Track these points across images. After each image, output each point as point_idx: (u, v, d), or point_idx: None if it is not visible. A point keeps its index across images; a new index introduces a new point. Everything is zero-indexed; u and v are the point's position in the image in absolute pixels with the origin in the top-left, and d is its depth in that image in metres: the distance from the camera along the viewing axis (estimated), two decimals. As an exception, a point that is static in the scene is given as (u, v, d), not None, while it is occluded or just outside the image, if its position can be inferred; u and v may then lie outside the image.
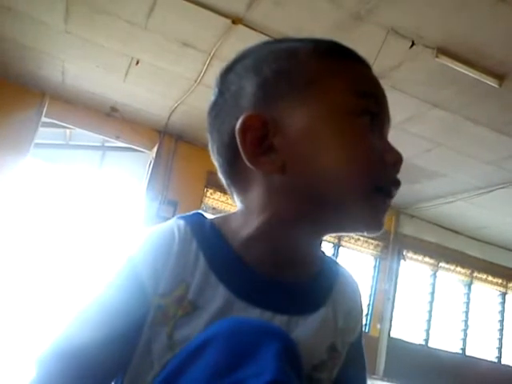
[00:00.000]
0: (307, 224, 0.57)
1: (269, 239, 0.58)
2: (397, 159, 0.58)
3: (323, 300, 0.61)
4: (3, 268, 6.02)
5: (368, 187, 0.55)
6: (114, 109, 5.67)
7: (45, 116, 5.64)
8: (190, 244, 0.57)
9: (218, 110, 0.61)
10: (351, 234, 6.91)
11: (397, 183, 0.58)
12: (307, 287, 0.61)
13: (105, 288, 0.57)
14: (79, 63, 4.83)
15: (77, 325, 0.55)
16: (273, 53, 0.60)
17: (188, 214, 0.62)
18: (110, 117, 5.82)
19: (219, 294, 0.56)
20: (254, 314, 0.56)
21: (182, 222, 0.59)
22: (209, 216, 0.63)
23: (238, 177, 0.60)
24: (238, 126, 0.56)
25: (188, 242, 0.57)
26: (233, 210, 0.64)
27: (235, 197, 0.63)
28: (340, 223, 0.58)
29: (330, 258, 0.68)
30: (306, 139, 0.55)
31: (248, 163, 0.56)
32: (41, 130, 5.70)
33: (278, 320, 0.57)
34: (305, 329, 0.58)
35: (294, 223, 0.57)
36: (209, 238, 0.59)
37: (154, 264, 0.55)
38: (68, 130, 7.04)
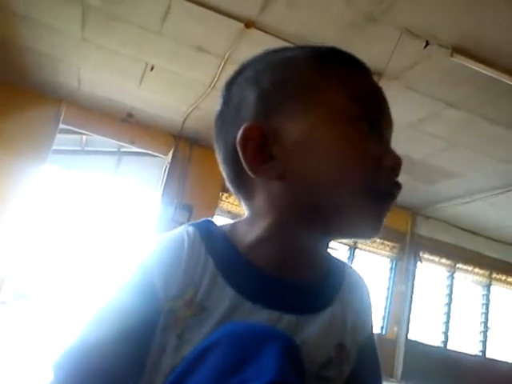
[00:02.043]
0: (308, 228, 0.58)
1: (273, 243, 0.59)
2: (395, 163, 0.58)
3: (331, 299, 0.62)
4: (22, 273, 6.10)
5: (363, 192, 0.55)
6: (129, 114, 5.73)
7: (62, 123, 5.72)
8: (200, 249, 0.59)
9: (223, 120, 0.64)
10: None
11: (397, 186, 0.58)
12: (315, 287, 0.61)
13: (118, 293, 0.58)
14: (95, 70, 4.89)
15: (90, 329, 0.56)
16: (271, 63, 0.62)
17: (198, 221, 0.64)
18: (125, 122, 5.88)
19: (227, 296, 0.57)
20: (262, 315, 0.57)
21: (191, 229, 0.61)
22: (218, 223, 0.65)
23: (243, 184, 0.62)
24: (238, 137, 0.58)
25: (197, 247, 0.59)
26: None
27: (243, 204, 0.64)
28: (338, 228, 0.59)
29: (336, 258, 0.68)
30: (303, 146, 0.56)
31: (249, 172, 0.58)
32: (57, 136, 5.78)
33: (286, 320, 0.57)
34: (313, 328, 0.58)
35: (296, 228, 0.58)
36: (217, 243, 0.60)
37: (165, 269, 0.57)
38: (84, 136, 7.12)
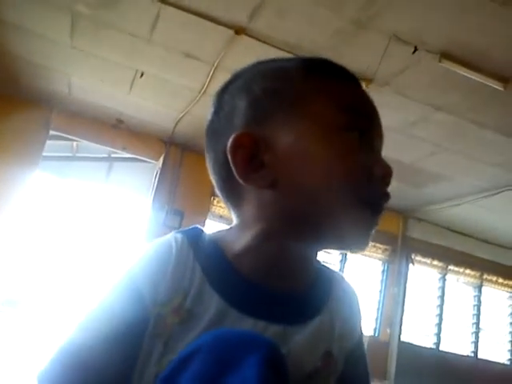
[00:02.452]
0: (297, 238, 0.58)
1: (260, 251, 0.59)
2: (385, 172, 0.58)
3: (319, 308, 0.62)
4: (12, 280, 6.05)
5: (353, 201, 0.56)
6: (119, 120, 5.71)
7: (52, 129, 5.70)
8: (187, 255, 0.59)
9: (214, 129, 0.64)
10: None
11: (386, 197, 0.59)
12: (303, 296, 0.61)
13: (106, 298, 0.58)
14: (85, 77, 4.88)
15: (80, 330, 0.57)
16: (263, 72, 0.63)
17: (186, 228, 0.64)
18: (116, 128, 5.86)
19: (214, 304, 0.57)
20: (248, 324, 0.57)
21: (179, 235, 0.61)
22: (208, 230, 0.65)
23: (232, 193, 0.62)
24: (229, 144, 0.58)
25: (185, 254, 0.59)
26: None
27: (232, 212, 0.65)
28: (327, 238, 0.59)
29: (325, 266, 0.69)
30: (293, 155, 0.57)
31: (239, 180, 0.58)
32: (48, 142, 5.76)
33: (273, 330, 0.57)
34: (301, 337, 0.58)
35: (284, 237, 0.58)
36: (205, 250, 0.60)
37: (153, 275, 0.57)
38: (75, 143, 7.09)
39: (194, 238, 0.61)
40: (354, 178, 0.56)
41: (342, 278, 0.69)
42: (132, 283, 0.57)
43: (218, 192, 0.65)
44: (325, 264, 0.69)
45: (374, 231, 0.58)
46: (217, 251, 0.60)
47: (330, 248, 0.62)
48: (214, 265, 0.59)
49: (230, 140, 0.58)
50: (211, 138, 0.64)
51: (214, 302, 0.57)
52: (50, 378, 0.55)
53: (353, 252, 0.61)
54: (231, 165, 0.58)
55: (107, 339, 0.54)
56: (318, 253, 0.64)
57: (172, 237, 0.61)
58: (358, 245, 0.59)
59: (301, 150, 0.57)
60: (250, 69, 0.64)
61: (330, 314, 0.63)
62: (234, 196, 0.62)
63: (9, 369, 2.96)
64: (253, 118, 0.59)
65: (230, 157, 0.58)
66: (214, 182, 0.64)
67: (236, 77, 0.64)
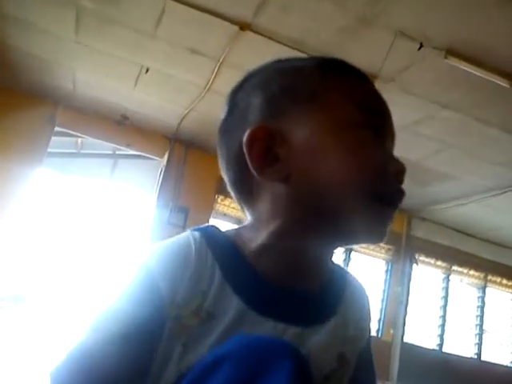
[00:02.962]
0: (313, 234, 0.58)
1: (278, 249, 0.59)
2: (399, 170, 0.59)
3: (334, 309, 0.62)
4: (18, 276, 6.07)
5: (368, 197, 0.56)
6: (124, 117, 5.72)
7: (57, 125, 5.71)
8: (206, 255, 0.58)
9: (227, 127, 0.64)
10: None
11: (400, 193, 0.59)
12: (319, 297, 0.61)
13: (119, 297, 0.57)
14: (90, 72, 4.89)
15: (90, 332, 0.55)
16: (278, 70, 0.64)
17: (202, 226, 0.64)
18: (120, 125, 5.86)
19: (233, 305, 0.56)
20: (267, 326, 0.56)
21: (197, 234, 0.60)
22: (222, 228, 0.65)
23: (246, 189, 0.62)
24: (245, 137, 0.58)
25: (204, 253, 0.58)
26: (243, 216, 0.66)
27: (245, 210, 0.64)
28: (343, 234, 0.59)
29: (338, 265, 0.69)
30: (309, 150, 0.57)
31: (254, 173, 0.58)
32: (52, 139, 5.77)
33: (291, 332, 0.57)
34: (317, 339, 0.58)
35: (301, 233, 0.58)
36: (223, 249, 0.60)
37: (172, 275, 0.56)
38: (79, 139, 7.11)
39: (212, 237, 0.61)
40: (368, 174, 0.56)
41: (355, 278, 0.69)
42: (150, 281, 0.56)
43: (230, 188, 0.65)
44: (338, 264, 0.69)
45: (388, 227, 0.58)
46: (234, 250, 0.60)
47: (346, 244, 0.63)
48: (232, 265, 0.59)
49: (246, 134, 0.58)
50: (224, 136, 0.64)
51: (233, 304, 0.56)
52: (60, 377, 0.54)
53: (368, 244, 0.61)
54: (247, 158, 0.58)
55: (120, 340, 0.53)
56: (333, 252, 0.64)
57: (189, 234, 0.60)
58: (371, 240, 0.59)
59: (315, 144, 0.57)
60: (265, 67, 0.65)
61: (344, 314, 0.63)
62: (247, 192, 0.62)
63: (15, 365, 2.96)
64: (269, 114, 0.60)
65: (245, 150, 0.58)
66: (226, 179, 0.64)
67: (250, 76, 0.65)
